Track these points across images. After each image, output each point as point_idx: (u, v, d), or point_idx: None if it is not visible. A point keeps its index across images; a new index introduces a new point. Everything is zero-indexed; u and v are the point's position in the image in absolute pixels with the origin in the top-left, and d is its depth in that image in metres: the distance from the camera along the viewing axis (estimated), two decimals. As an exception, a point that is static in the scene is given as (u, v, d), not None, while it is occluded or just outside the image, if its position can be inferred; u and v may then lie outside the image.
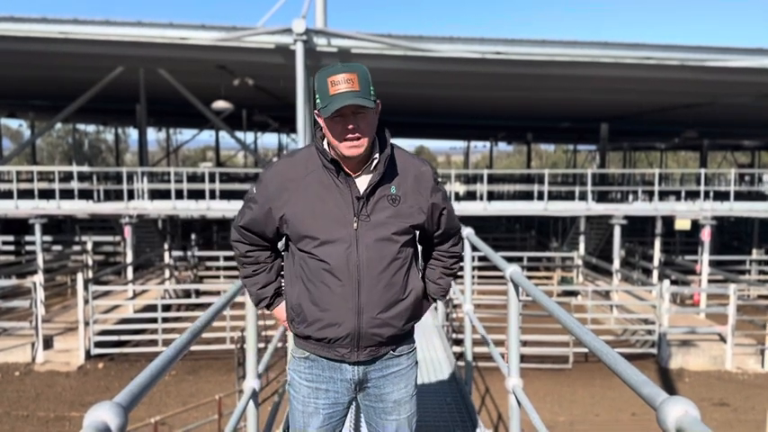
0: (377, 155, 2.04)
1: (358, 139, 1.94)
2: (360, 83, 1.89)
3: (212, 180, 18.65)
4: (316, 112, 1.99)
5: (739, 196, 21.68)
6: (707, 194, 20.06)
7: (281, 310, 2.22)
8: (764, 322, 15.55)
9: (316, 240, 2.00)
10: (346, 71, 1.89)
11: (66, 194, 19.24)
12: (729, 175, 23.20)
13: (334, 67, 1.92)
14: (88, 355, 14.17)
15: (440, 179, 2.20)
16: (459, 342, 13.30)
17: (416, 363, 2.26)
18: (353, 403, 2.28)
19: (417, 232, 2.15)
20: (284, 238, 2.16)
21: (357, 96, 1.87)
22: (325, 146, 2.04)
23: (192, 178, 25.28)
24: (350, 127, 1.92)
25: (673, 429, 1.19)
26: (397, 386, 2.19)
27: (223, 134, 36.88)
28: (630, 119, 25.54)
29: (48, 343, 14.28)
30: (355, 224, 2.00)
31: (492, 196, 22.60)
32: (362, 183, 2.03)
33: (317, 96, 1.94)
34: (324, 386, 2.14)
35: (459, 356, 6.97)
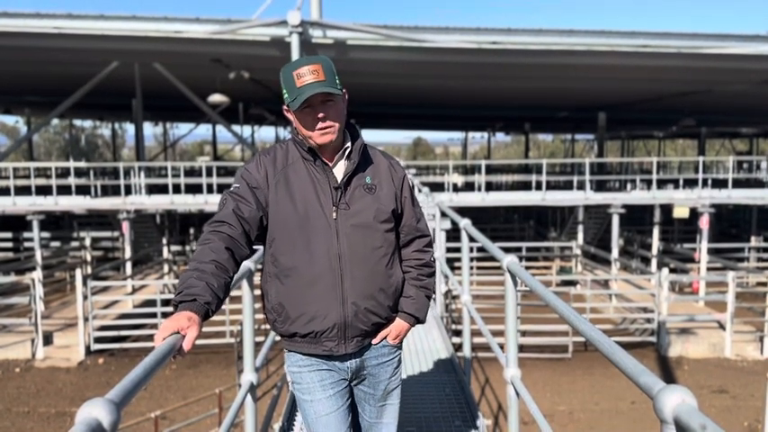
0: (348, 144, 2.07)
1: (329, 126, 1.97)
2: (325, 73, 1.92)
3: (209, 174, 18.63)
4: (285, 108, 2.00)
5: (737, 184, 21.71)
6: (705, 182, 20.06)
7: (196, 319, 1.67)
8: (763, 309, 15.57)
9: (296, 232, 2.00)
10: (310, 63, 1.92)
11: (64, 190, 19.20)
12: (728, 162, 23.21)
13: (298, 61, 1.96)
14: (88, 351, 14.19)
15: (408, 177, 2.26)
16: (457, 333, 13.32)
17: (401, 348, 2.30)
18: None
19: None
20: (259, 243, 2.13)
21: (324, 85, 1.90)
22: (301, 138, 2.07)
23: (190, 173, 25.20)
24: (320, 116, 1.95)
25: (670, 418, 1.18)
26: (389, 374, 2.23)
27: (220, 128, 36.76)
28: (628, 107, 25.50)
29: (47, 339, 14.29)
30: (334, 213, 2.01)
31: (490, 187, 22.58)
32: (338, 172, 2.05)
33: (284, 92, 1.96)
34: (325, 366, 2.12)
35: (458, 347, 6.97)
